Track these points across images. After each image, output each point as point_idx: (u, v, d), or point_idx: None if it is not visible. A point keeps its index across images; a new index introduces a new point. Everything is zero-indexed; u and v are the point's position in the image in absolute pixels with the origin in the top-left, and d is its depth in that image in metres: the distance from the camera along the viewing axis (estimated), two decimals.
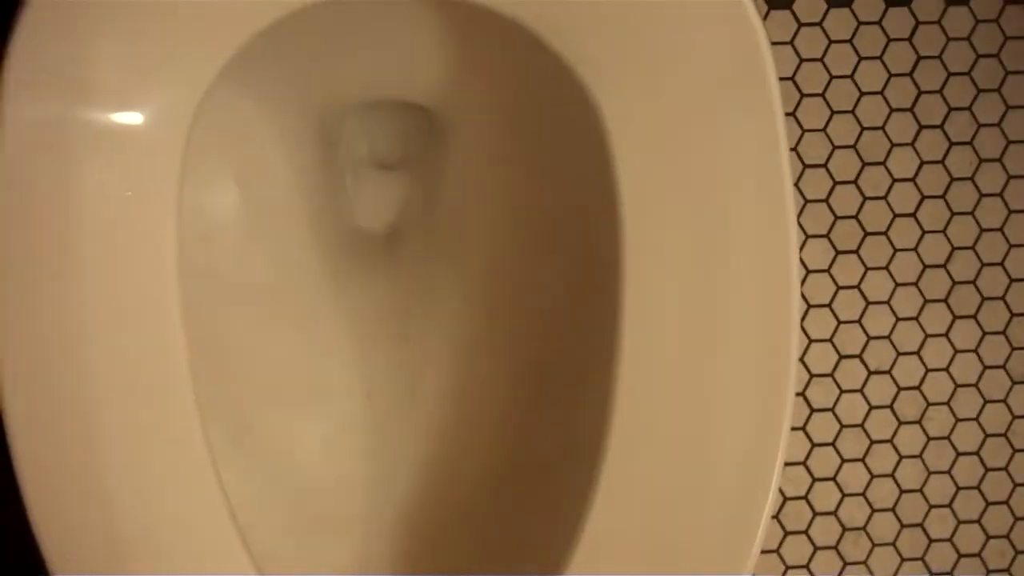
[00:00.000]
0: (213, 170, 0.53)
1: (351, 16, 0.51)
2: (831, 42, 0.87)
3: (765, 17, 0.86)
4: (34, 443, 0.44)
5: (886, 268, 0.88)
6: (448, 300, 0.61)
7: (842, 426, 0.88)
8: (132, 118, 0.45)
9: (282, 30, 0.47)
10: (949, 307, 0.88)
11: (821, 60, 0.87)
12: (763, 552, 0.87)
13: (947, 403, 0.89)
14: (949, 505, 0.90)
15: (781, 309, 0.47)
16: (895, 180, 0.87)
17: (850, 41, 0.87)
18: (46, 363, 0.44)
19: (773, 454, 0.46)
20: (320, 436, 0.58)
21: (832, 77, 0.87)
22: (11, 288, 0.44)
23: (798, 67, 0.87)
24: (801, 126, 0.86)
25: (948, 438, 0.89)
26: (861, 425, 0.88)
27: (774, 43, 0.86)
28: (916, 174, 0.88)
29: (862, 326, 0.88)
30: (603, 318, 0.48)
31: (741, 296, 0.47)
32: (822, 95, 0.87)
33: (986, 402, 0.89)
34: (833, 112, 0.87)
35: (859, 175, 0.87)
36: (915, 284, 0.88)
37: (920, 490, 0.89)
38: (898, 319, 0.88)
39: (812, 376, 0.87)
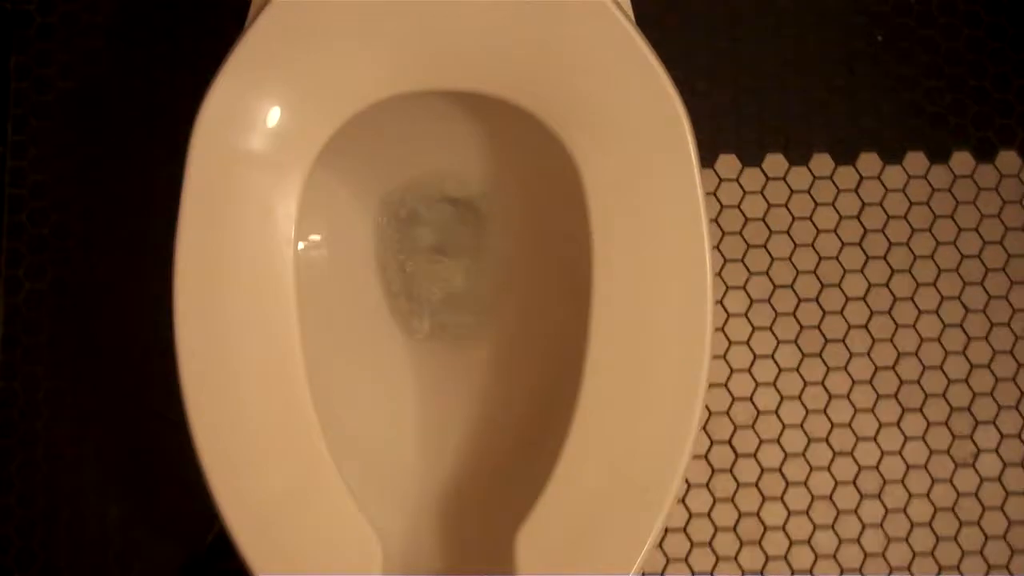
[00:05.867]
0: (314, 224, 0.86)
1: (409, 113, 0.83)
2: (792, 192, 1.19)
3: (740, 174, 1.19)
4: (200, 392, 0.75)
5: (844, 369, 1.16)
6: (483, 331, 0.93)
7: (813, 497, 1.14)
8: (271, 163, 0.77)
9: (363, 126, 0.79)
10: (899, 401, 1.16)
11: (785, 205, 1.19)
12: None
13: (901, 481, 1.15)
14: (908, 568, 1.14)
15: (698, 316, 0.76)
16: (848, 299, 1.18)
17: (808, 191, 1.19)
18: (210, 331, 0.75)
19: (693, 412, 0.75)
20: (386, 425, 0.89)
21: (794, 218, 1.19)
22: (191, 273, 0.75)
23: (767, 211, 1.19)
24: (771, 255, 1.17)
25: (904, 511, 1.15)
26: (830, 497, 1.15)
27: (748, 192, 1.19)
28: (866, 294, 1.18)
29: (827, 414, 1.16)
30: (579, 332, 0.77)
31: (669, 309, 0.76)
32: (787, 232, 1.19)
33: (934, 481, 1.15)
34: (796, 245, 1.18)
35: (819, 294, 1.18)
36: (869, 382, 1.16)
37: (882, 554, 1.14)
38: (856, 410, 1.16)
39: (787, 455, 1.14)
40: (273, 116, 0.77)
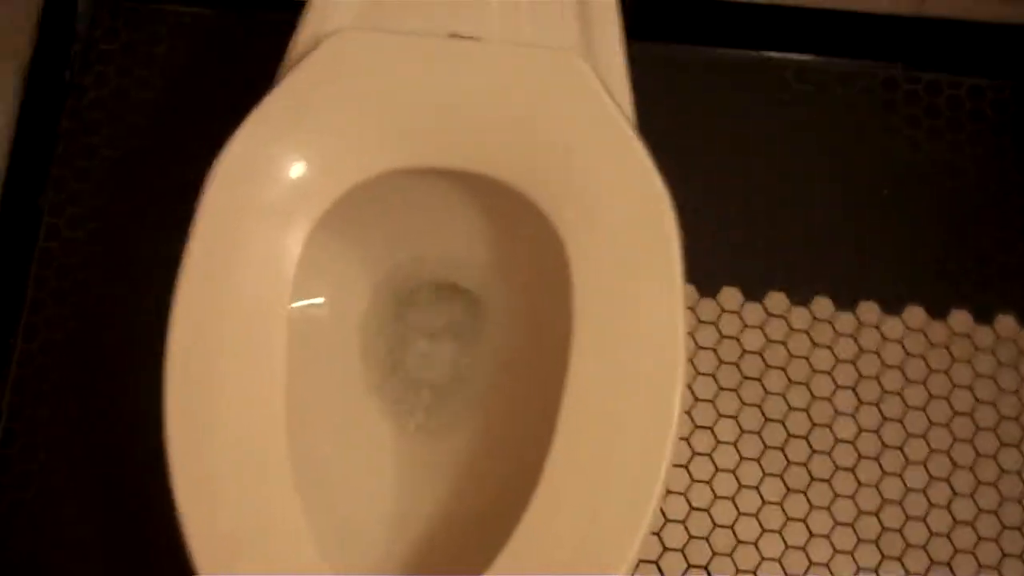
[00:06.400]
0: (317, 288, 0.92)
1: (417, 192, 0.89)
2: (792, 330, 1.23)
3: (742, 307, 1.23)
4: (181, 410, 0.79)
5: (828, 509, 1.18)
6: (471, 415, 0.96)
7: None
8: (277, 212, 0.83)
9: (372, 199, 0.85)
10: (879, 548, 1.17)
11: (784, 343, 1.23)
12: None
13: None
14: None
15: (664, 411, 0.79)
16: (838, 440, 1.20)
17: (807, 332, 1.23)
18: (198, 371, 0.79)
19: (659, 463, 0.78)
20: (361, 487, 0.92)
21: (792, 356, 1.22)
22: (188, 313, 0.80)
23: (765, 345, 1.22)
24: (766, 390, 1.21)
25: None
26: None
27: (748, 326, 1.22)
28: (855, 438, 1.20)
29: (806, 552, 1.17)
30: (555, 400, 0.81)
31: (638, 402, 0.79)
32: (783, 369, 1.22)
33: None
34: (791, 382, 1.21)
35: (809, 432, 1.20)
36: (851, 525, 1.17)
37: None
38: (835, 551, 1.17)
39: None
40: (286, 171, 0.84)
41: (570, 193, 0.84)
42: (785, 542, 1.16)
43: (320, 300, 0.95)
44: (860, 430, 1.20)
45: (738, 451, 1.19)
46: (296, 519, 0.78)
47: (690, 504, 1.17)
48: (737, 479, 1.18)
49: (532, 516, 0.78)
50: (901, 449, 1.19)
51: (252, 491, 0.79)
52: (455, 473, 0.95)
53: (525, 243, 0.92)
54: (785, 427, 1.20)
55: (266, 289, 0.82)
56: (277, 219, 0.83)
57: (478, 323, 0.99)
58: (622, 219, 0.84)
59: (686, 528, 1.16)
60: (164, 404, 0.79)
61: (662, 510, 1.17)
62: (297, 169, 0.84)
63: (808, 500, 1.18)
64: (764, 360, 1.22)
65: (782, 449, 1.19)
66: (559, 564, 0.77)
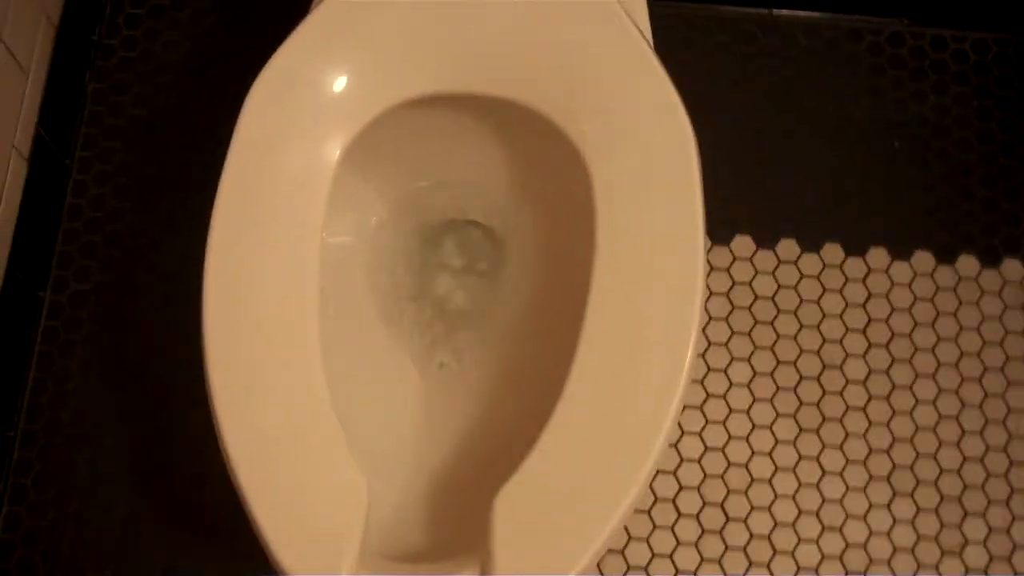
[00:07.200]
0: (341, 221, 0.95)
1: (442, 123, 0.93)
2: (803, 276, 1.27)
3: (753, 254, 1.27)
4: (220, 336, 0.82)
5: (840, 448, 1.21)
6: (487, 350, 1.00)
7: (799, 568, 1.18)
8: (315, 126, 0.87)
9: (398, 129, 0.89)
10: (891, 484, 1.21)
11: (795, 288, 1.26)
12: None
13: (887, 562, 1.18)
14: None
15: (686, 308, 0.82)
16: (849, 381, 1.23)
17: (817, 277, 1.27)
18: (235, 286, 0.83)
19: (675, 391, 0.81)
20: (387, 409, 0.96)
21: (802, 300, 1.26)
22: (224, 214, 0.84)
23: (777, 291, 1.26)
24: (777, 333, 1.24)
25: None
26: (815, 570, 1.18)
27: (760, 272, 1.26)
28: (866, 379, 1.23)
29: (819, 489, 1.20)
30: (574, 327, 0.84)
31: (658, 306, 0.83)
32: (794, 313, 1.25)
33: (920, 566, 1.18)
34: (803, 325, 1.25)
35: (821, 374, 1.24)
36: (863, 463, 1.21)
37: None
38: (848, 488, 1.20)
39: (777, 524, 1.19)
40: (325, 88, 0.88)
41: (593, 115, 0.87)
42: (799, 480, 1.20)
43: (342, 234, 0.99)
44: (870, 371, 1.24)
45: (751, 392, 1.23)
46: (329, 419, 0.81)
47: (705, 444, 1.21)
48: (751, 419, 1.22)
49: (550, 434, 0.81)
50: (911, 388, 1.23)
51: (289, 401, 0.82)
52: (478, 404, 0.99)
53: (547, 172, 0.95)
54: (797, 369, 1.24)
55: (302, 202, 0.86)
56: (315, 132, 0.87)
57: (499, 257, 1.02)
58: (645, 142, 0.87)
59: (702, 467, 1.20)
60: (203, 310, 0.82)
61: (678, 450, 1.21)
62: (335, 87, 0.88)
63: (820, 439, 1.21)
64: (776, 305, 1.26)
65: (794, 390, 1.23)
66: (575, 477, 0.80)
